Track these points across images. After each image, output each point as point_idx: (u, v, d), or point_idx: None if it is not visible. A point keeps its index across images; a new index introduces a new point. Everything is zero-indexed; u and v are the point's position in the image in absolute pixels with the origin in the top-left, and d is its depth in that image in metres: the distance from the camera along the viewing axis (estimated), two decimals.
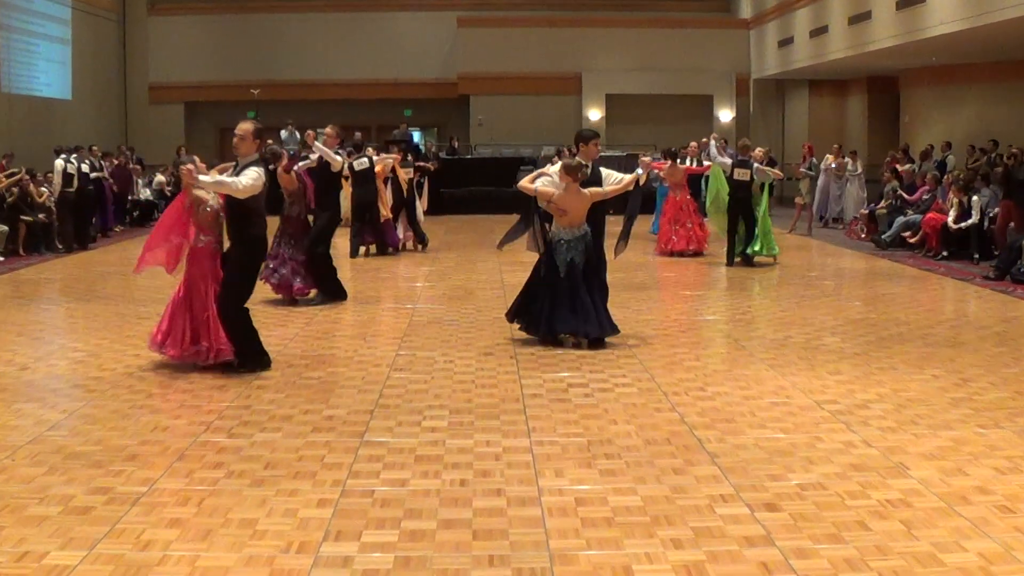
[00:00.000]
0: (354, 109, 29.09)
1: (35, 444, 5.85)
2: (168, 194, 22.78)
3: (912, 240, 16.13)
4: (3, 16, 22.52)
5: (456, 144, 27.40)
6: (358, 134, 24.64)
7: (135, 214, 21.40)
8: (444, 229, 18.53)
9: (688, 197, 16.11)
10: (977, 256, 14.65)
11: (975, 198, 15.15)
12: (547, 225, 8.86)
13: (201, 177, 7.49)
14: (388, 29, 29.28)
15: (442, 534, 4.53)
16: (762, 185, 14.56)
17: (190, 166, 7.56)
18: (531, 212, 8.95)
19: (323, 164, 11.41)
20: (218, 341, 7.57)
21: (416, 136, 29.58)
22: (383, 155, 16.20)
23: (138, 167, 22.24)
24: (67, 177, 16.60)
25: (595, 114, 28.58)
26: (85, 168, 17.23)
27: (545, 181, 8.79)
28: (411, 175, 16.23)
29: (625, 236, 9.24)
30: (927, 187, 17.04)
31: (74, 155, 17.10)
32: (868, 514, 4.74)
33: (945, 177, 17.10)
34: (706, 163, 17.71)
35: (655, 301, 11.64)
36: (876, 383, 7.35)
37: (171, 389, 7.24)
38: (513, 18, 28.93)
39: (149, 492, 5.04)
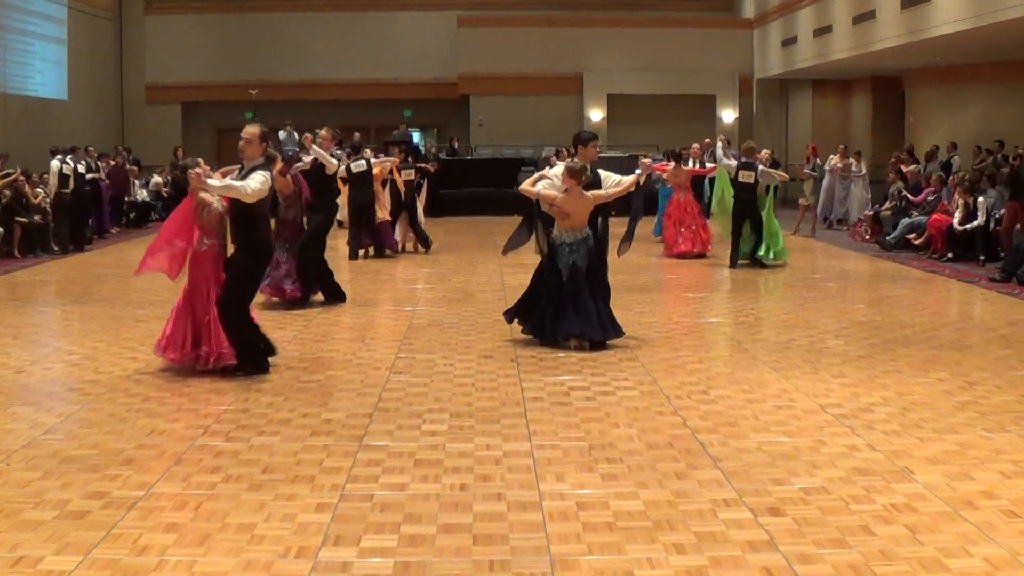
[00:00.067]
0: (353, 110, 29.11)
1: (30, 448, 5.85)
2: (165, 195, 22.82)
3: (917, 242, 16.12)
4: None
5: (456, 145, 27.42)
6: (357, 135, 24.66)
7: (132, 215, 21.40)
8: (444, 231, 18.53)
9: (691, 198, 16.13)
10: (983, 258, 14.64)
11: (981, 199, 15.14)
12: (548, 228, 8.89)
13: (210, 181, 7.50)
14: (387, 29, 29.30)
15: (442, 539, 4.53)
16: (767, 187, 14.59)
17: (198, 170, 7.57)
18: (533, 216, 9.00)
19: (318, 166, 11.41)
20: (219, 345, 7.57)
21: (416, 137, 29.59)
22: (382, 157, 16.22)
23: (135, 168, 22.25)
24: (63, 178, 16.60)
25: (597, 114, 28.59)
26: (81, 169, 17.23)
27: (545, 184, 8.81)
28: (412, 176, 16.23)
29: (629, 236, 9.31)
30: (932, 188, 17.03)
31: (70, 156, 17.09)
32: (872, 519, 4.73)
33: (950, 178, 17.10)
34: (709, 165, 17.75)
35: (657, 303, 11.64)
36: (880, 386, 7.35)
37: (168, 392, 7.24)
38: (513, 17, 28.95)
39: (146, 496, 5.04)
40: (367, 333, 9.78)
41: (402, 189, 15.95)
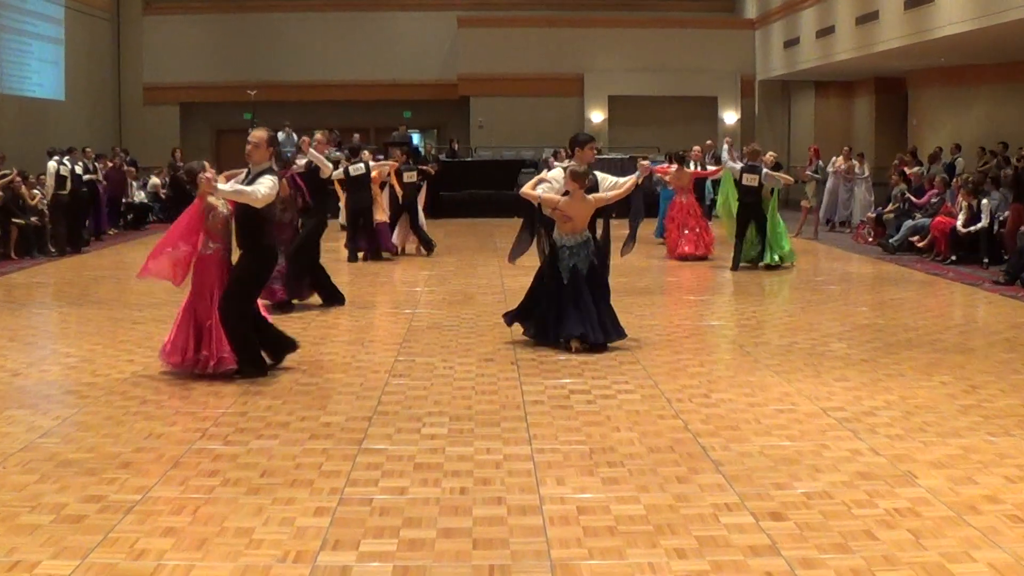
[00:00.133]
0: (352, 111, 29.13)
1: (27, 451, 5.85)
2: (163, 196, 22.85)
3: (920, 244, 16.12)
4: None
5: (456, 146, 27.43)
6: (356, 136, 24.69)
7: (129, 217, 21.42)
8: (444, 232, 18.52)
9: (694, 201, 16.14)
10: (987, 260, 14.64)
11: (985, 201, 15.14)
12: (548, 231, 8.92)
13: (220, 186, 7.52)
14: (387, 29, 29.31)
15: (442, 543, 4.53)
16: (771, 189, 14.61)
17: (208, 174, 7.59)
18: (534, 219, 9.05)
19: (312, 169, 11.41)
20: (220, 350, 7.57)
21: (415, 138, 29.60)
22: (381, 160, 16.23)
23: (132, 169, 22.26)
24: (60, 179, 16.62)
25: (597, 116, 28.60)
26: (78, 170, 17.25)
27: (545, 188, 8.83)
28: (414, 178, 16.22)
29: (632, 237, 9.46)
30: (935, 190, 17.03)
31: (67, 157, 17.11)
32: (875, 523, 4.73)
33: (954, 180, 17.11)
34: (710, 167, 17.76)
35: (659, 306, 11.64)
36: (884, 390, 7.35)
37: (166, 395, 7.24)
38: (514, 18, 28.96)
39: (143, 500, 5.04)
40: (366, 336, 9.79)
41: (399, 192, 15.94)
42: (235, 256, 7.88)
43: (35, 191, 16.93)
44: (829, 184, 21.17)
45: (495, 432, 6.29)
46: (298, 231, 11.07)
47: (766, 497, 5.09)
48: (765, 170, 14.42)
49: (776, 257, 14.48)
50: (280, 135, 24.73)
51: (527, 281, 9.38)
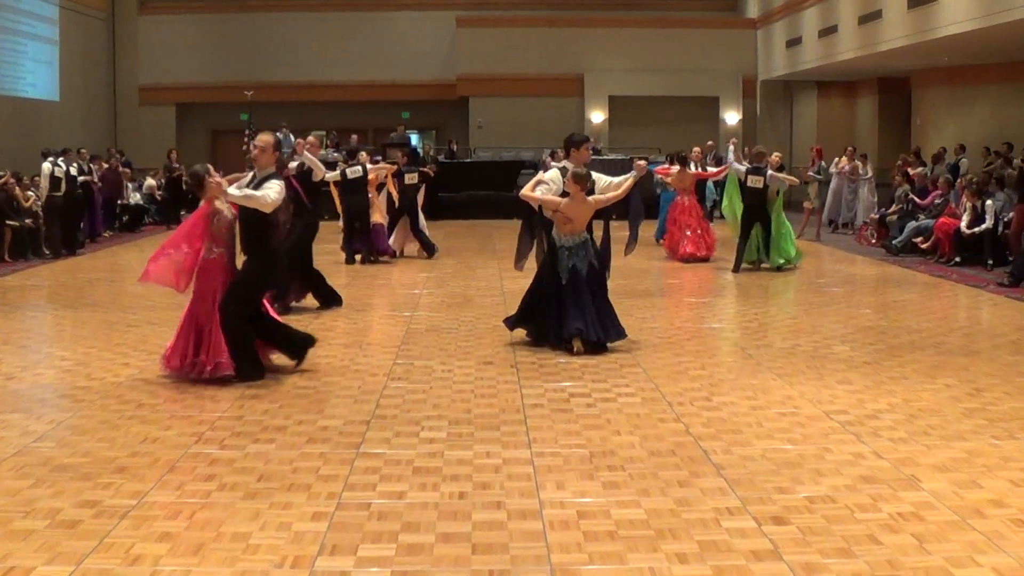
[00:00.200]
0: (350, 111, 29.16)
1: (21, 456, 5.85)
2: (158, 198, 22.85)
3: (924, 246, 16.13)
4: None
5: (455, 147, 27.44)
6: (354, 137, 24.69)
7: (124, 219, 21.42)
8: (442, 234, 18.52)
9: (695, 202, 16.15)
10: (991, 262, 14.64)
11: (989, 202, 15.15)
12: (547, 232, 8.97)
13: (230, 191, 7.54)
14: (385, 29, 29.35)
15: (440, 548, 4.53)
16: (777, 190, 14.62)
17: (218, 179, 7.62)
18: (533, 221, 9.10)
19: (304, 172, 11.40)
20: (217, 355, 7.57)
21: (414, 139, 29.62)
22: (380, 161, 16.22)
23: (127, 171, 22.26)
24: (54, 181, 16.62)
25: (598, 116, 28.62)
26: (73, 171, 17.25)
27: (544, 189, 8.87)
28: (416, 180, 16.21)
29: (635, 237, 9.59)
30: (939, 191, 17.04)
31: (62, 158, 17.12)
32: (879, 528, 4.73)
33: (958, 181, 17.12)
34: (710, 169, 17.77)
35: (660, 308, 11.65)
36: (887, 393, 7.35)
37: (161, 399, 7.24)
38: (513, 18, 28.99)
39: (139, 505, 5.04)
40: (364, 339, 9.79)
41: (395, 196, 15.93)
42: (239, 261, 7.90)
43: (29, 193, 16.93)
44: (833, 185, 21.17)
45: (494, 436, 6.29)
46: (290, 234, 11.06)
47: (768, 501, 5.09)
48: (770, 171, 14.42)
49: (780, 260, 14.50)
50: (277, 135, 24.79)
51: (526, 283, 9.40)
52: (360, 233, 15.17)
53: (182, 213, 22.51)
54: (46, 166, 16.69)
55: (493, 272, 14.24)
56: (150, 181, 23.15)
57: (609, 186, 9.01)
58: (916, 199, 17.50)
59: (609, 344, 8.83)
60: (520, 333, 9.23)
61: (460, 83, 28.65)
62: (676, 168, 16.28)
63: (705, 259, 15.51)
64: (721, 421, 6.62)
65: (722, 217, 19.81)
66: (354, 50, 29.10)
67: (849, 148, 22.03)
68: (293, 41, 29.18)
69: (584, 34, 28.81)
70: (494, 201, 23.09)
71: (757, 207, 14.36)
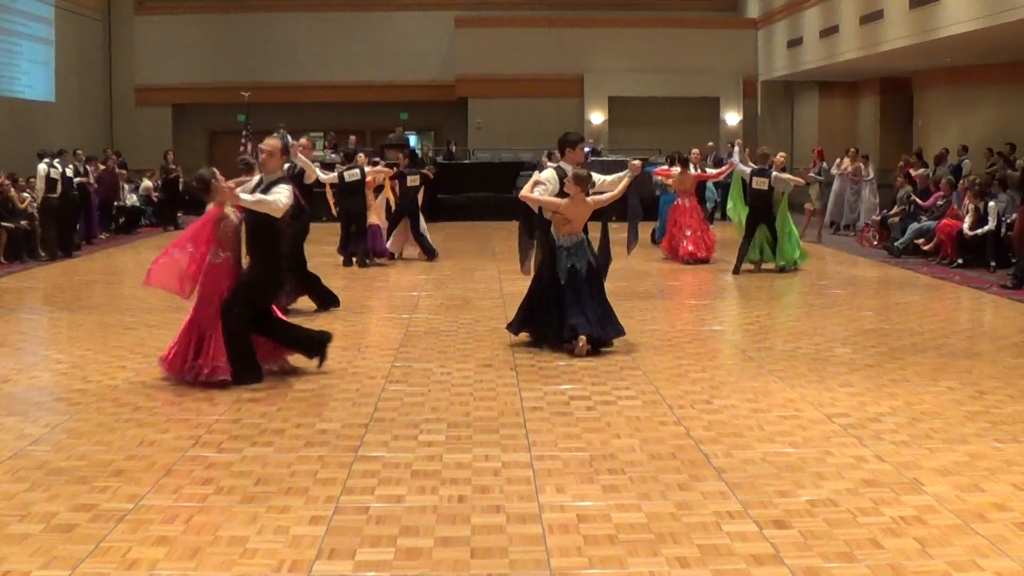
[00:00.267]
0: (348, 112, 29.18)
1: (16, 459, 5.85)
2: (155, 200, 22.84)
3: (926, 247, 16.14)
4: None
5: (454, 148, 27.44)
6: (352, 138, 24.70)
7: (121, 221, 21.42)
8: (441, 236, 18.52)
9: (696, 203, 16.17)
10: (994, 264, 14.66)
11: (991, 203, 15.16)
12: (545, 232, 9.02)
13: (243, 196, 7.56)
14: (384, 29, 29.36)
15: (439, 552, 4.53)
16: (782, 192, 14.62)
17: (230, 183, 7.65)
18: (532, 222, 9.16)
19: (296, 174, 11.40)
20: (215, 358, 7.57)
21: (412, 140, 29.64)
22: (379, 163, 16.20)
23: (123, 172, 22.26)
24: (50, 182, 16.62)
25: (597, 117, 28.63)
26: (69, 173, 17.25)
27: (541, 190, 8.91)
28: (417, 181, 16.20)
29: (635, 235, 9.75)
30: (941, 192, 17.05)
31: (57, 159, 17.11)
32: (881, 532, 4.74)
33: (960, 182, 17.13)
34: (710, 170, 17.78)
35: (660, 310, 11.65)
36: (889, 395, 7.36)
37: (158, 402, 7.24)
38: (513, 18, 29.01)
39: (135, 509, 5.04)
40: (362, 341, 9.79)
41: (392, 200, 15.92)
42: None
43: (25, 194, 16.94)
44: (835, 187, 21.17)
45: (494, 439, 6.30)
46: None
47: (769, 505, 5.09)
48: (774, 172, 14.42)
49: (781, 262, 14.51)
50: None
51: (525, 285, 9.41)
52: (356, 236, 15.16)
53: (179, 215, 22.56)
54: (42, 167, 16.69)
55: (492, 274, 14.25)
56: (147, 182, 23.15)
57: (603, 184, 9.08)
58: (918, 200, 17.52)
59: (611, 341, 8.90)
60: (520, 335, 9.24)
61: (459, 84, 28.66)
62: (677, 170, 16.27)
63: (705, 260, 15.52)
64: (722, 424, 6.62)
65: (723, 219, 19.84)
66: (352, 50, 29.12)
67: (851, 149, 22.04)
68: (291, 41, 29.19)
69: (584, 34, 28.83)
70: (493, 203, 23.08)
71: (762, 209, 14.36)
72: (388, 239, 15.91)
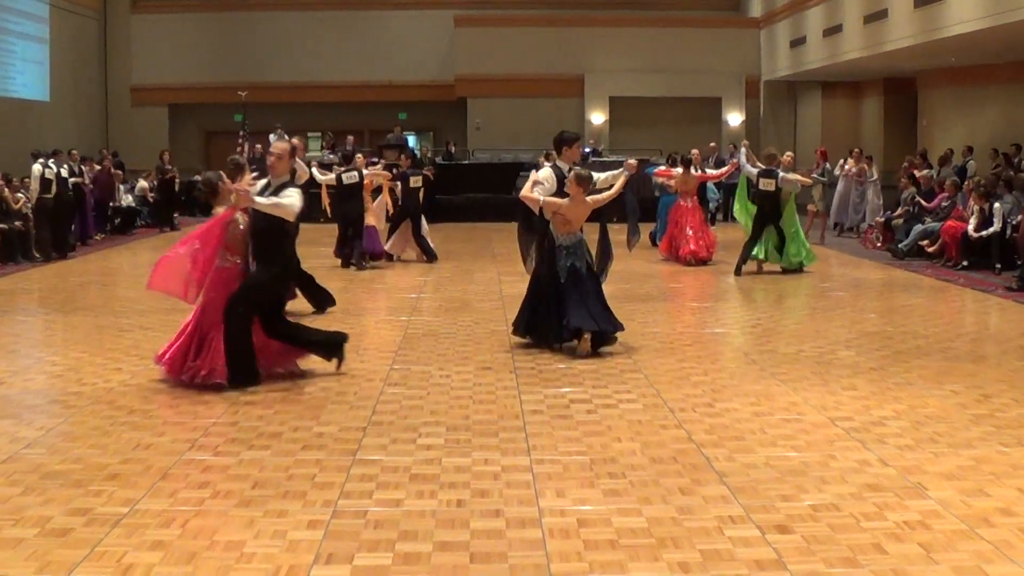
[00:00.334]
0: (346, 112, 29.20)
1: (10, 463, 5.85)
2: (151, 200, 22.84)
3: (930, 249, 16.14)
4: None
5: (453, 149, 27.46)
6: (351, 138, 24.71)
7: (116, 221, 21.42)
8: (440, 238, 18.52)
9: (697, 204, 16.18)
10: (999, 266, 14.66)
11: (997, 205, 15.16)
12: (544, 231, 9.08)
13: (258, 199, 7.57)
14: (382, 28, 29.39)
15: (438, 557, 4.53)
16: (790, 192, 14.62)
17: (245, 187, 7.68)
18: (532, 223, 9.21)
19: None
20: (214, 361, 7.58)
21: (411, 141, 29.66)
22: (378, 164, 16.20)
23: (119, 172, 22.26)
24: (45, 183, 16.62)
25: (598, 117, 28.66)
26: (64, 173, 17.25)
27: (540, 190, 8.95)
28: (420, 182, 16.20)
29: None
30: (946, 194, 17.06)
31: (52, 159, 17.12)
32: (885, 537, 4.74)
33: (965, 183, 17.12)
34: (709, 171, 17.80)
35: (661, 313, 11.65)
36: (893, 399, 7.36)
37: (154, 405, 7.24)
38: (513, 17, 29.03)
39: (131, 513, 5.04)
40: (360, 343, 9.77)
41: (389, 204, 15.91)
42: None
43: (19, 195, 16.93)
44: (840, 188, 21.17)
45: (493, 442, 6.30)
46: None
47: (772, 509, 5.09)
48: (781, 173, 14.41)
49: (786, 263, 14.51)
50: (272, 137, 24.79)
51: (525, 286, 9.42)
52: (353, 239, 15.14)
53: (175, 216, 22.57)
54: (36, 168, 16.69)
55: (492, 276, 14.25)
56: (142, 183, 23.14)
57: (600, 181, 9.15)
58: (922, 202, 17.52)
59: (614, 337, 8.99)
60: (520, 337, 9.26)
61: (458, 84, 28.69)
62: (679, 171, 16.28)
63: (706, 260, 15.53)
64: (724, 428, 6.62)
65: (725, 220, 19.85)
66: (350, 50, 29.14)
67: (856, 150, 22.05)
68: (288, 41, 29.22)
69: (584, 34, 28.85)
70: (493, 204, 23.09)
71: (770, 210, 14.35)
72: (388, 240, 15.91)
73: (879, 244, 18.15)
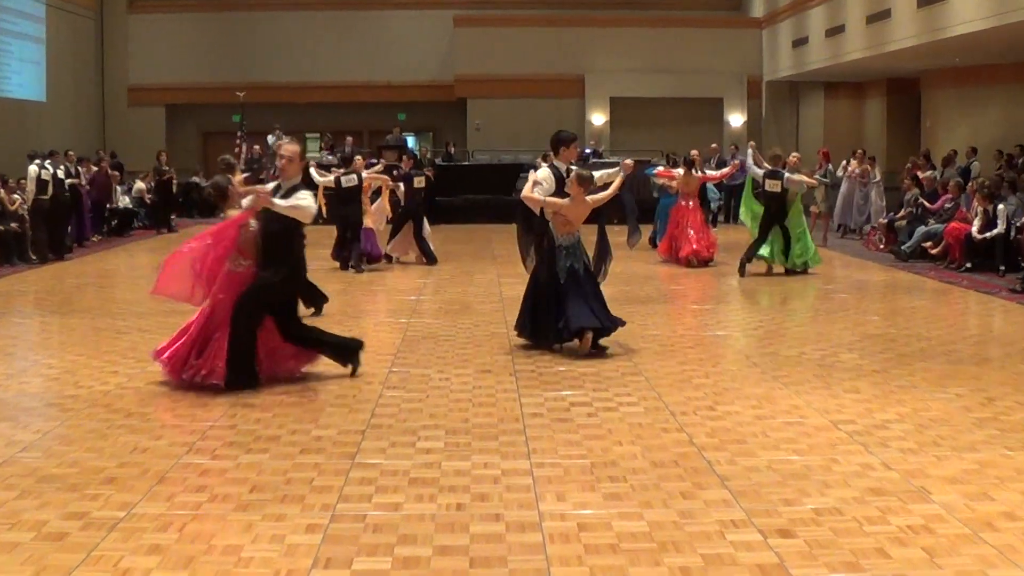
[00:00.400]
0: (345, 113, 29.21)
1: (6, 466, 5.85)
2: (148, 202, 22.85)
3: (934, 251, 16.14)
4: None
5: (452, 150, 27.47)
6: (349, 139, 24.72)
7: (113, 223, 21.43)
8: (440, 239, 18.53)
9: (698, 205, 16.18)
10: (1003, 268, 14.66)
11: (1001, 206, 15.17)
12: (543, 232, 9.13)
13: (277, 201, 7.59)
14: (381, 28, 29.40)
15: (437, 561, 4.53)
16: (796, 193, 14.62)
17: (261, 188, 7.71)
18: (532, 223, 9.24)
19: None
20: (215, 361, 7.58)
21: (410, 141, 29.67)
22: (377, 164, 16.19)
23: (116, 174, 22.26)
24: (41, 184, 16.63)
25: (599, 118, 28.66)
26: (60, 174, 17.26)
27: (540, 190, 8.98)
28: (423, 183, 16.20)
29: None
30: (950, 195, 17.06)
31: (48, 160, 17.12)
32: (888, 541, 4.74)
33: (969, 184, 17.14)
34: (710, 172, 17.81)
35: (662, 315, 11.65)
36: (896, 402, 7.36)
37: (151, 408, 7.24)
38: (513, 17, 29.05)
39: (128, 517, 5.04)
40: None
41: (387, 208, 15.91)
42: None
43: (15, 196, 16.93)
44: (843, 189, 21.17)
45: (493, 446, 6.29)
46: None
47: (774, 513, 5.09)
48: (787, 174, 14.40)
49: (791, 264, 14.51)
50: (270, 138, 24.83)
51: (524, 289, 9.44)
52: (351, 242, 15.13)
53: (172, 217, 22.57)
54: (32, 168, 16.69)
55: (491, 278, 14.25)
56: (139, 184, 23.15)
57: (598, 179, 9.19)
58: (926, 203, 17.52)
59: (609, 340, 9.01)
60: (519, 339, 9.27)
61: (458, 84, 28.70)
62: (681, 171, 16.29)
63: (708, 260, 15.54)
64: (725, 431, 6.62)
65: (727, 221, 19.84)
66: (349, 50, 29.15)
67: (859, 151, 22.05)
68: (286, 41, 29.23)
69: (585, 34, 28.87)
70: (492, 205, 23.10)
71: (776, 210, 14.35)
72: (390, 242, 15.91)
73: (882, 246, 18.15)
